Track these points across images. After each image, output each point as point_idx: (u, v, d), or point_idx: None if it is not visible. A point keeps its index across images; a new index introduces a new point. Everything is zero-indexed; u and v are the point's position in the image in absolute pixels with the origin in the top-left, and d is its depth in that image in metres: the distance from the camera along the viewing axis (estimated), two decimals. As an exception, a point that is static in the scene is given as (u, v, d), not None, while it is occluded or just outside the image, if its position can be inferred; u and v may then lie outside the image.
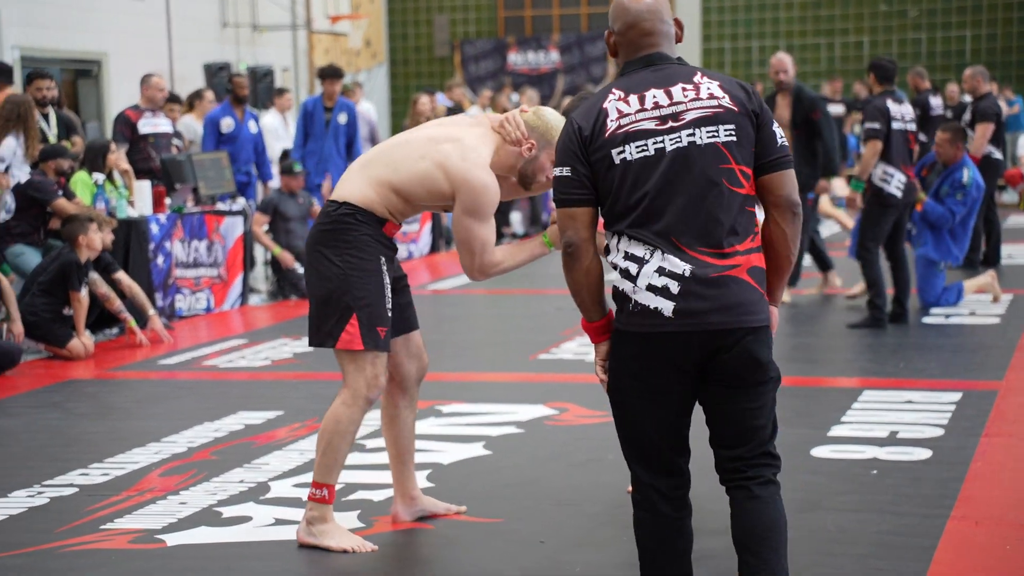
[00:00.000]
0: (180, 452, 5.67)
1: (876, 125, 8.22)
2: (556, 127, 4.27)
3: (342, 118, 11.47)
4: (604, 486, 4.95)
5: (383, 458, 5.42)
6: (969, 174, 8.94)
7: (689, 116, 3.18)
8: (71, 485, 5.19)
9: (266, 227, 10.64)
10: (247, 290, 10.21)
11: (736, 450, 3.22)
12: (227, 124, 11.15)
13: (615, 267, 3.24)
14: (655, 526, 3.27)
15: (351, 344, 4.27)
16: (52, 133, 9.69)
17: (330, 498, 4.37)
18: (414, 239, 12.93)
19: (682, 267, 3.16)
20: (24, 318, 7.84)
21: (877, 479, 4.97)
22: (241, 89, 11.30)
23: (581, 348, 7.94)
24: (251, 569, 4.21)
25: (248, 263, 10.23)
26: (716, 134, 3.18)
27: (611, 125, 3.21)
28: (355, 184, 4.32)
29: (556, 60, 22.62)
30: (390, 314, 4.33)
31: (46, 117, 9.68)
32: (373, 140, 13.15)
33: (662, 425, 3.23)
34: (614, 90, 3.25)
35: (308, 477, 4.86)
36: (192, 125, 11.95)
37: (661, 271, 3.16)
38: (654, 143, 3.19)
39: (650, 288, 3.16)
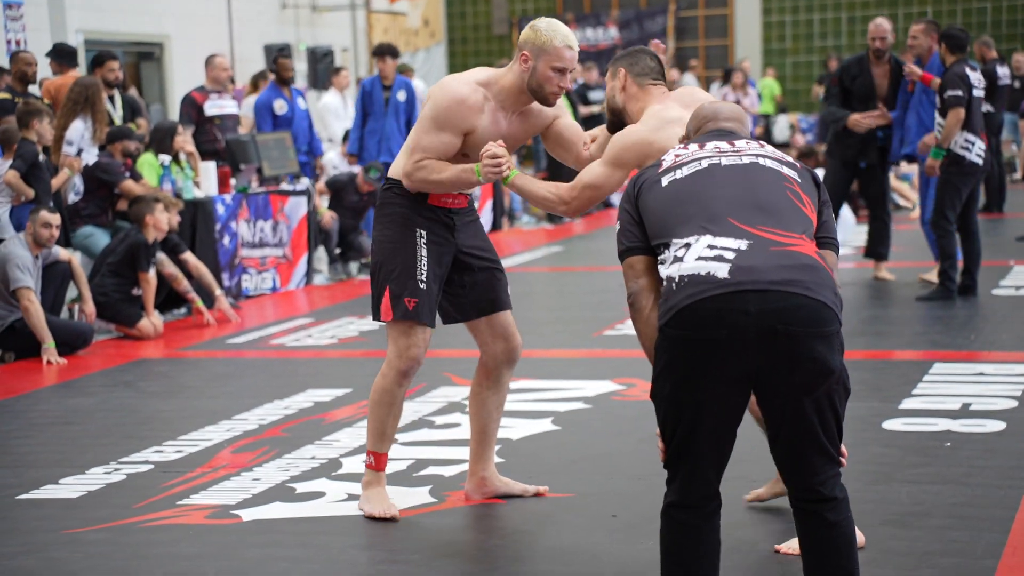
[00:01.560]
0: (251, 429, 5.72)
1: (958, 92, 8.09)
2: (547, 31, 4.17)
3: (401, 95, 11.47)
4: (674, 460, 4.93)
5: (453, 434, 5.46)
6: None
7: (751, 151, 3.13)
8: (146, 462, 5.26)
9: (327, 201, 10.79)
10: (311, 270, 10.29)
11: (806, 478, 2.98)
12: (280, 107, 11.16)
13: (664, 278, 3.02)
14: (680, 535, 3.05)
15: (385, 315, 4.36)
16: (118, 115, 9.81)
17: (376, 465, 4.47)
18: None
19: (737, 243, 2.95)
20: (94, 298, 7.94)
21: (951, 451, 4.92)
22: (286, 71, 11.30)
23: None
24: (326, 544, 4.25)
25: (312, 243, 10.30)
26: (779, 167, 3.10)
27: (665, 165, 3.16)
28: (397, 160, 4.41)
29: (615, 36, 22.50)
30: (423, 286, 4.31)
31: (112, 99, 9.79)
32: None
33: (706, 438, 2.98)
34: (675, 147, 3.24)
35: (378, 453, 4.89)
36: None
37: (712, 247, 2.96)
38: (708, 161, 3.11)
39: (700, 259, 2.94)
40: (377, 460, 4.48)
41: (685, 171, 3.10)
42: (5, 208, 8.31)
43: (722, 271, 2.92)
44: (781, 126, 19.48)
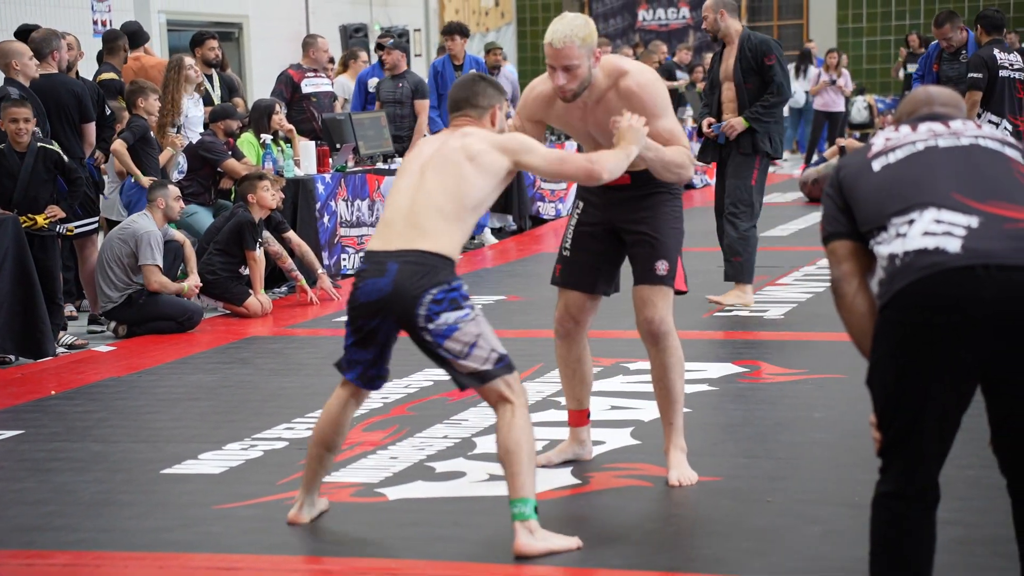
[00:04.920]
0: (377, 407, 5.71)
1: (978, 75, 8.36)
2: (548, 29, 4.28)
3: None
4: (818, 444, 4.89)
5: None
6: None
7: (969, 132, 2.99)
8: (280, 439, 5.27)
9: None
10: (405, 249, 10.25)
11: None
12: (373, 83, 11.19)
13: (885, 257, 2.85)
14: (895, 527, 2.89)
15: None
16: (216, 95, 9.83)
17: (569, 420, 4.83)
18: (561, 197, 12.88)
19: (967, 219, 2.76)
20: (203, 277, 7.95)
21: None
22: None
23: (757, 305, 7.84)
24: (478, 524, 4.23)
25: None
26: (1002, 148, 2.96)
27: (874, 150, 3.02)
28: None
29: (687, 16, 22.34)
30: (566, 253, 4.64)
31: (210, 79, 9.81)
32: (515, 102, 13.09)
33: (930, 429, 2.82)
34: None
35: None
36: (347, 85, 12.03)
37: (939, 221, 2.78)
38: (923, 143, 2.97)
39: (927, 233, 2.77)
40: (568, 415, 4.82)
41: (899, 154, 2.97)
42: (114, 186, 8.35)
43: (953, 246, 2.74)
44: (858, 107, 19.25)
